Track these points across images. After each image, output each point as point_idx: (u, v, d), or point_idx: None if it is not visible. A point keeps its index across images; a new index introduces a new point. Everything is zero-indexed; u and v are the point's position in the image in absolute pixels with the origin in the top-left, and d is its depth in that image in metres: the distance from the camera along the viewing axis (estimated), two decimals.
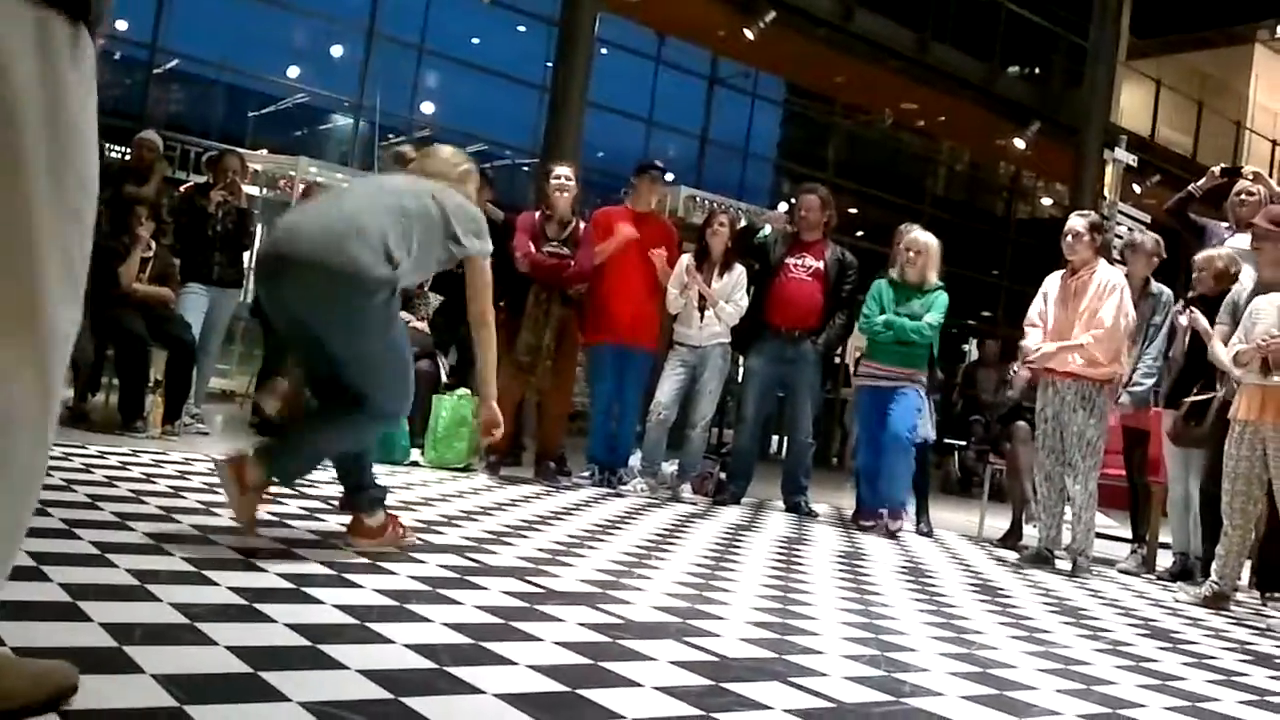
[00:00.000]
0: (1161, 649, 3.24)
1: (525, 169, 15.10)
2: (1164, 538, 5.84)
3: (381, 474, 3.62)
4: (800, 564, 4.06)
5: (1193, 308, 5.09)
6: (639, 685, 2.01)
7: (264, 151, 11.41)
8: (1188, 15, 19.99)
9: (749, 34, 14.25)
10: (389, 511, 3.21)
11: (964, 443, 9.16)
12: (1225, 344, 4.58)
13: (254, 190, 9.41)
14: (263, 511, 3.16)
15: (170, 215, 6.36)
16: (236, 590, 2.33)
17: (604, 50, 14.16)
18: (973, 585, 4.16)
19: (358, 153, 13.68)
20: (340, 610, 2.29)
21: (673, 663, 2.22)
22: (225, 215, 6.34)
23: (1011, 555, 5.48)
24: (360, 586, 2.55)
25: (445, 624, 2.29)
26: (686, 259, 6.17)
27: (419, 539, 3.30)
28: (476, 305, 3.31)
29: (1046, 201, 21.67)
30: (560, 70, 11.90)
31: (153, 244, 5.88)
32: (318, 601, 2.35)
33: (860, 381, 6.18)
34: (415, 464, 5.87)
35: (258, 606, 2.22)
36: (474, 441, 6.00)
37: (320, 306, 2.88)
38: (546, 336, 5.93)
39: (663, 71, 16.71)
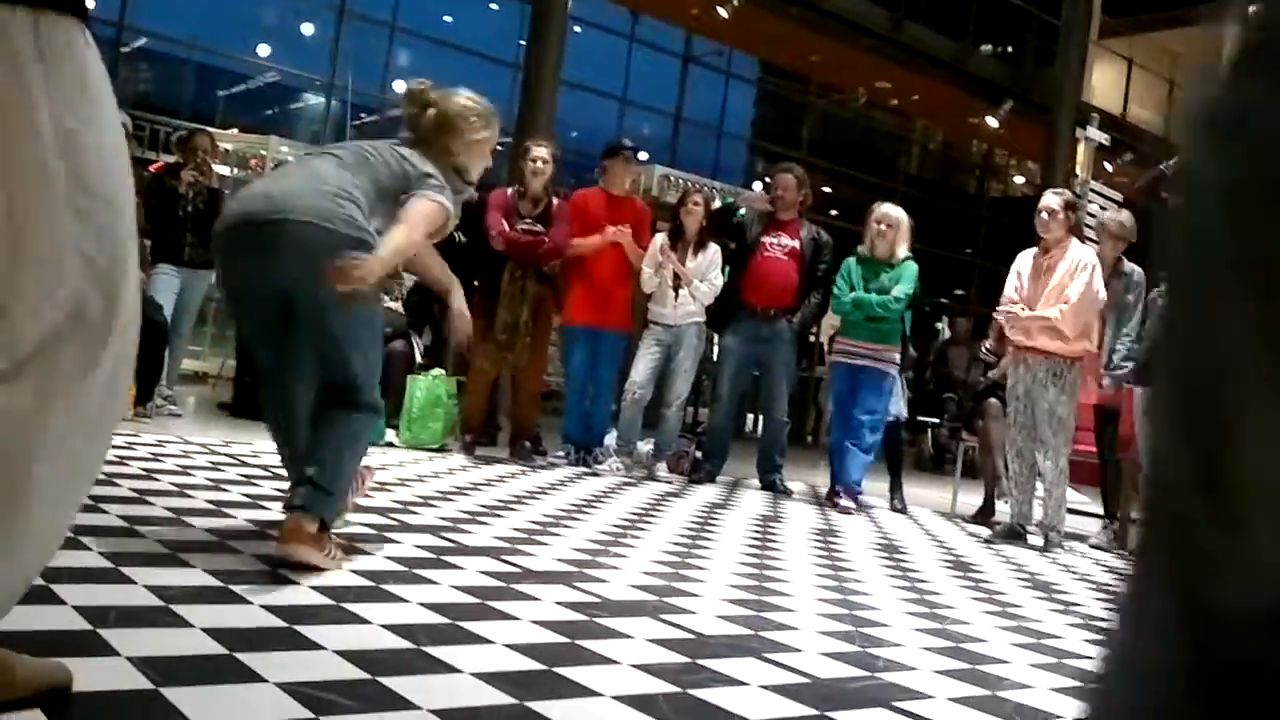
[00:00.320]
0: None
1: (499, 147, 14.98)
2: (1136, 514, 5.91)
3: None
4: (775, 542, 4.09)
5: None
6: (616, 663, 2.03)
7: (234, 131, 11.31)
8: None
9: (723, 12, 14.20)
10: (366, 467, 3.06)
11: (937, 420, 9.21)
12: None
13: (225, 170, 9.32)
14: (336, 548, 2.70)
15: (140, 196, 6.28)
16: (211, 572, 2.32)
17: (577, 28, 14.05)
18: (946, 561, 4.20)
19: (329, 132, 13.56)
20: (316, 591, 2.29)
21: (650, 640, 2.23)
22: (196, 195, 6.28)
23: (984, 531, 5.53)
24: (336, 568, 2.55)
25: (422, 604, 2.29)
26: (661, 238, 6.17)
27: (394, 519, 3.30)
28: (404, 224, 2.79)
29: (1019, 180, 21.74)
30: (533, 48, 11.80)
31: None
32: (293, 583, 2.34)
33: (834, 358, 6.20)
34: (390, 444, 5.85)
35: (233, 588, 2.22)
36: (449, 422, 6.00)
37: (319, 272, 2.54)
38: (524, 313, 5.93)
39: (637, 50, 16.62)
